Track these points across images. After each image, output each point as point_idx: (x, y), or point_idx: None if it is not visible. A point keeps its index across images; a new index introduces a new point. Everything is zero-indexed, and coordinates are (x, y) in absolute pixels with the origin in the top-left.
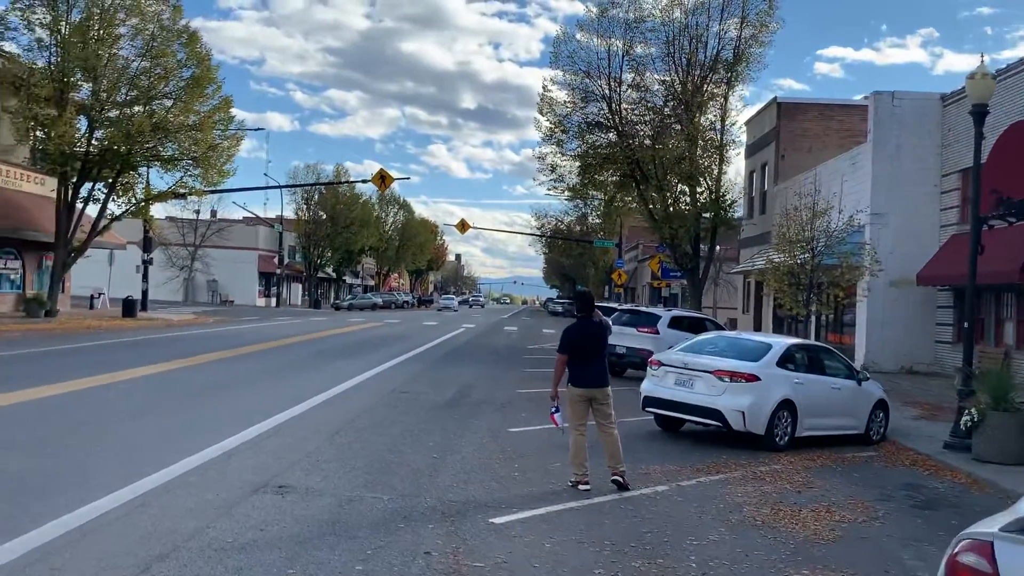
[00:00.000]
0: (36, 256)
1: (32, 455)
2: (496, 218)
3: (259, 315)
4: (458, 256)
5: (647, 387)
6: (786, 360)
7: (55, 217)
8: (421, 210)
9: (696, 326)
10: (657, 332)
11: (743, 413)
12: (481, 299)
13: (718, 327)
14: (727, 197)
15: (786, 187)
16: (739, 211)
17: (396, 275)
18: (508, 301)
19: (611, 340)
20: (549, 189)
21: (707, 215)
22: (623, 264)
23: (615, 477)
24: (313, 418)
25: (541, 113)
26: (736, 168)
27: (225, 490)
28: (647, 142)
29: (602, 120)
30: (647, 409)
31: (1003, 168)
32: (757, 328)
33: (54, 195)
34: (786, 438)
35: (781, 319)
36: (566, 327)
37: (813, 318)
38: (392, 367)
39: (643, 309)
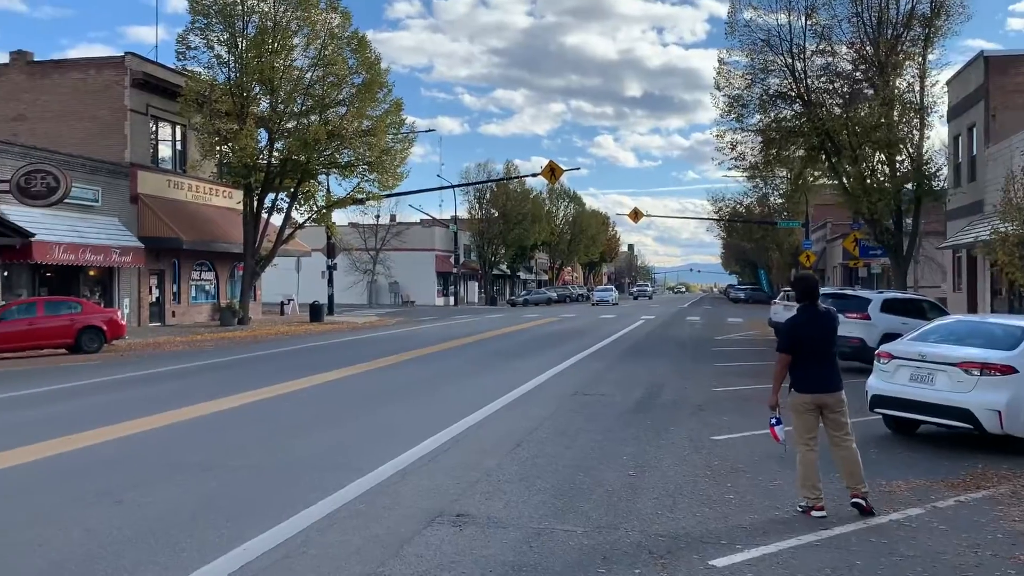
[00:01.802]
0: (228, 266)
1: (185, 484)
2: (667, 205)
3: (437, 314)
4: (631, 246)
5: (876, 384)
6: None
7: (243, 228)
8: (591, 202)
9: (914, 309)
10: (868, 317)
11: (999, 413)
12: (648, 289)
13: (941, 310)
14: (931, 165)
15: (1001, 149)
16: (944, 180)
17: (569, 268)
18: (683, 290)
19: None
20: (729, 169)
21: (909, 186)
22: (811, 245)
23: (856, 499)
24: (491, 427)
25: (718, 88)
26: (937, 135)
27: (396, 521)
28: (837, 111)
29: (785, 91)
30: (876, 410)
31: None
32: (972, 309)
33: (240, 207)
34: None
35: (1004, 296)
36: (786, 320)
37: None
38: (571, 366)
39: (850, 292)
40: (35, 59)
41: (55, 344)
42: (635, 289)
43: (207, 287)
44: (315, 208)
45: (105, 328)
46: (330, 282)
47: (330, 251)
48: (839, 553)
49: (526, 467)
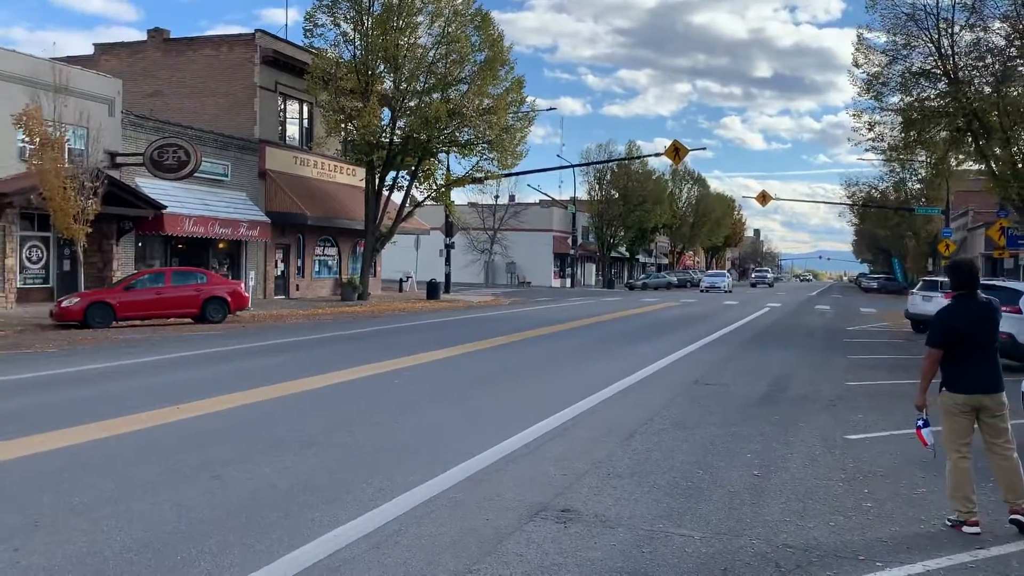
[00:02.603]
0: (350, 243)
1: (285, 460)
2: (796, 190)
3: (553, 296)
4: (756, 231)
5: None
6: None
7: (364, 205)
8: (716, 185)
9: None
10: (1019, 311)
11: None
12: (768, 275)
13: None
14: None
15: None
16: None
17: (691, 253)
18: (811, 278)
19: None
20: (866, 151)
21: None
22: (951, 233)
23: (1016, 516)
24: (603, 415)
25: (856, 65)
26: None
27: (496, 513)
28: (987, 89)
29: (929, 69)
30: None
31: None
32: None
33: (362, 184)
34: None
35: None
36: (939, 311)
37: None
38: (691, 353)
39: (998, 283)
40: (171, 36)
41: (181, 313)
42: (754, 275)
43: (330, 262)
44: (434, 186)
45: (229, 299)
46: (447, 260)
47: (448, 230)
48: None
49: (639, 460)
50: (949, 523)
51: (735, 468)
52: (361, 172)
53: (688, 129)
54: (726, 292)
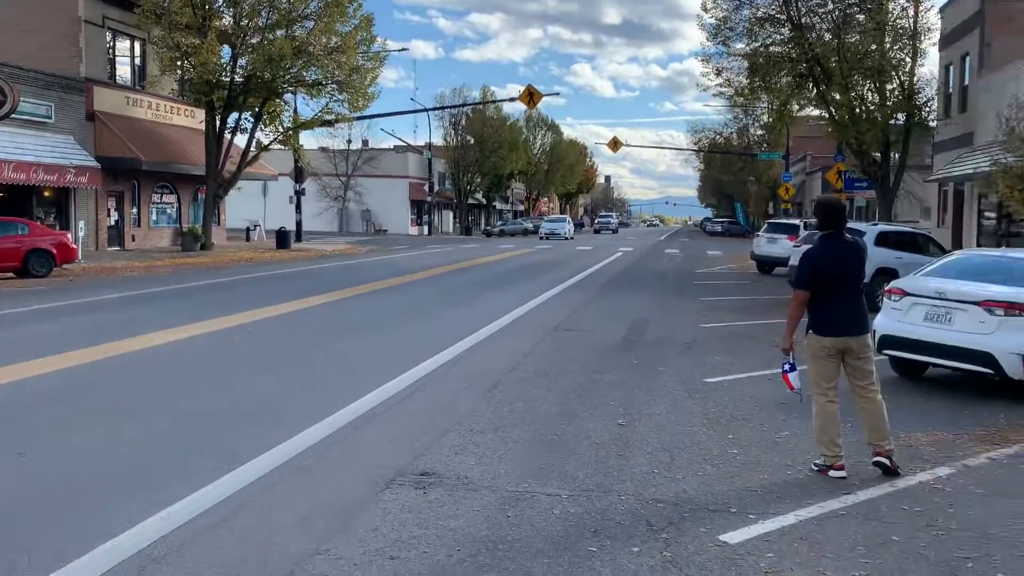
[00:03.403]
0: (191, 189)
1: (114, 432)
2: (644, 137)
3: (410, 244)
4: (608, 178)
5: (884, 323)
6: None
7: (205, 149)
8: (568, 132)
9: (909, 243)
10: None
11: (1023, 357)
12: (612, 221)
13: (938, 245)
14: (922, 94)
15: (997, 79)
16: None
17: (546, 199)
18: (658, 223)
19: None
20: (714, 96)
21: (898, 116)
22: (790, 177)
23: (879, 458)
24: (465, 366)
25: (704, 10)
26: (928, 63)
27: (349, 482)
28: (827, 36)
29: (774, 14)
30: (885, 351)
31: None
32: (956, 245)
33: (203, 127)
34: None
35: (992, 232)
36: (805, 251)
37: None
38: (550, 299)
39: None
40: None
41: (0, 268)
42: (597, 221)
43: (169, 211)
44: (281, 129)
45: (54, 251)
46: (298, 208)
47: (298, 175)
48: (871, 525)
49: (503, 414)
50: (816, 468)
51: (600, 418)
52: (201, 113)
53: (540, 76)
54: (567, 239)
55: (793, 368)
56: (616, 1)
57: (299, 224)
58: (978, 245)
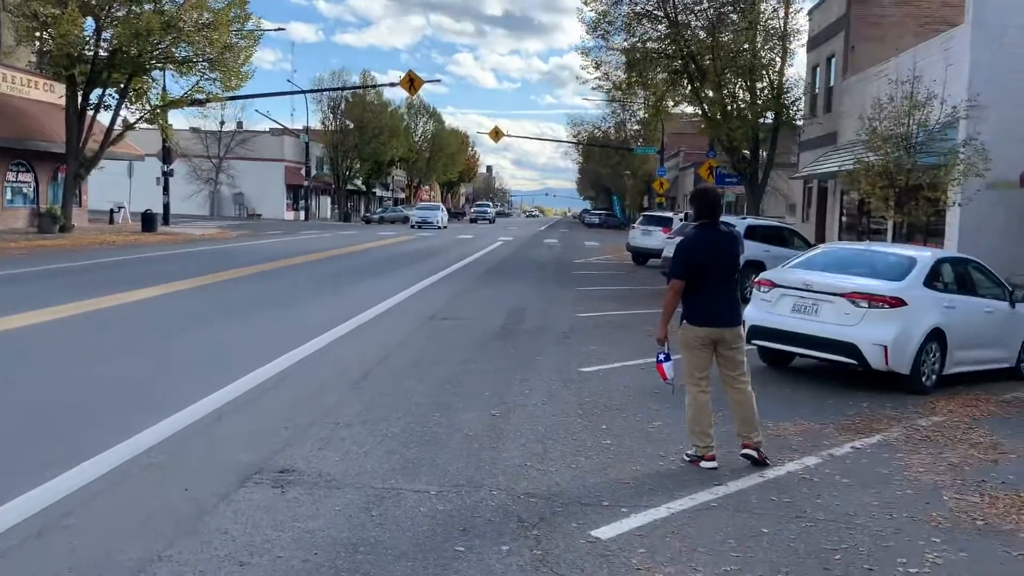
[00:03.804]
0: (50, 168)
1: None
2: (525, 128)
3: (286, 229)
4: (489, 168)
5: (754, 314)
6: (933, 278)
7: (65, 126)
8: (450, 120)
9: (776, 237)
10: None
11: (885, 348)
12: (489, 211)
13: (803, 239)
14: (791, 94)
15: (859, 80)
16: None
17: (427, 187)
18: (537, 214)
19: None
20: (593, 89)
21: (768, 115)
22: (665, 172)
23: (748, 451)
24: (335, 356)
25: (584, 3)
26: (797, 64)
27: (201, 479)
28: (702, 34)
29: (651, 10)
30: (754, 342)
31: None
32: (820, 240)
33: (63, 102)
34: (934, 377)
35: (852, 227)
36: (681, 241)
37: (890, 225)
38: (428, 287)
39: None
40: None
41: None
42: (473, 210)
43: (25, 190)
44: (148, 107)
45: None
46: (165, 189)
47: (166, 156)
48: (741, 517)
49: (372, 406)
50: (687, 458)
51: (474, 409)
52: (61, 88)
53: (422, 63)
54: (440, 228)
55: (667, 358)
56: None
57: (167, 207)
58: (840, 240)
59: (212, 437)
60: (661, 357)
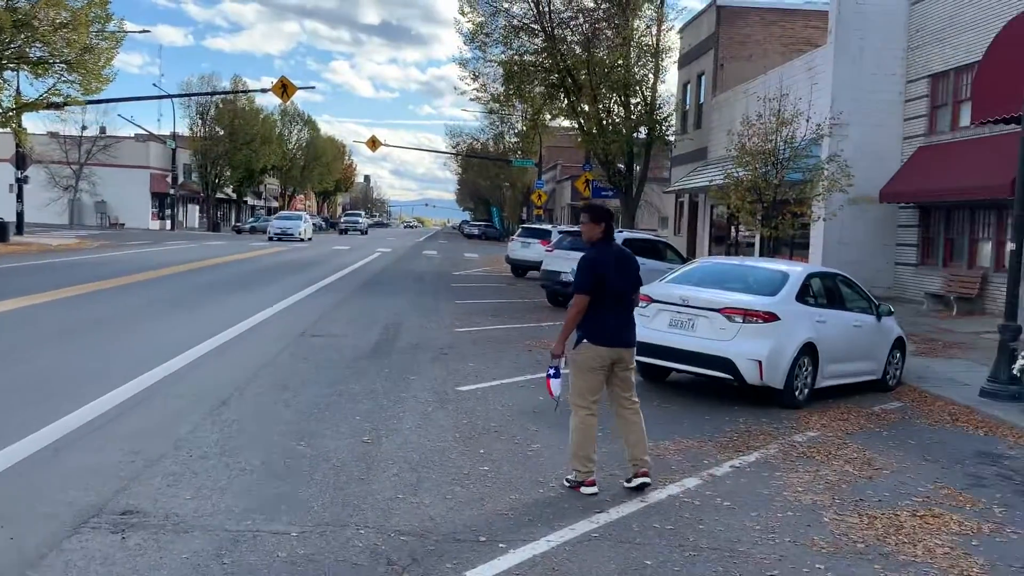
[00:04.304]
0: None
1: None
2: (403, 138)
3: (150, 239)
4: (367, 177)
5: None
6: (805, 292)
7: None
8: (326, 129)
9: (651, 250)
10: None
11: (760, 363)
12: (360, 221)
13: (676, 252)
14: (663, 110)
15: (728, 98)
16: (672, 125)
17: (302, 196)
18: (416, 224)
19: (556, 266)
20: (471, 100)
21: (642, 130)
22: (543, 184)
23: (644, 479)
24: (194, 378)
25: (462, 13)
26: (668, 80)
27: (30, 525)
28: (578, 49)
29: (528, 23)
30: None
31: (1006, 63)
32: (691, 253)
33: None
34: (806, 391)
35: (722, 240)
36: (587, 256)
37: (758, 238)
38: (300, 301)
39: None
40: None
41: None
42: (343, 221)
43: None
44: (0, 110)
45: None
46: (19, 197)
47: (19, 162)
48: (624, 549)
49: (231, 434)
50: (568, 483)
51: (343, 436)
52: None
53: (297, 70)
54: (303, 240)
55: (558, 375)
56: (375, 1)
57: (20, 215)
58: (710, 253)
59: (48, 474)
60: (552, 372)
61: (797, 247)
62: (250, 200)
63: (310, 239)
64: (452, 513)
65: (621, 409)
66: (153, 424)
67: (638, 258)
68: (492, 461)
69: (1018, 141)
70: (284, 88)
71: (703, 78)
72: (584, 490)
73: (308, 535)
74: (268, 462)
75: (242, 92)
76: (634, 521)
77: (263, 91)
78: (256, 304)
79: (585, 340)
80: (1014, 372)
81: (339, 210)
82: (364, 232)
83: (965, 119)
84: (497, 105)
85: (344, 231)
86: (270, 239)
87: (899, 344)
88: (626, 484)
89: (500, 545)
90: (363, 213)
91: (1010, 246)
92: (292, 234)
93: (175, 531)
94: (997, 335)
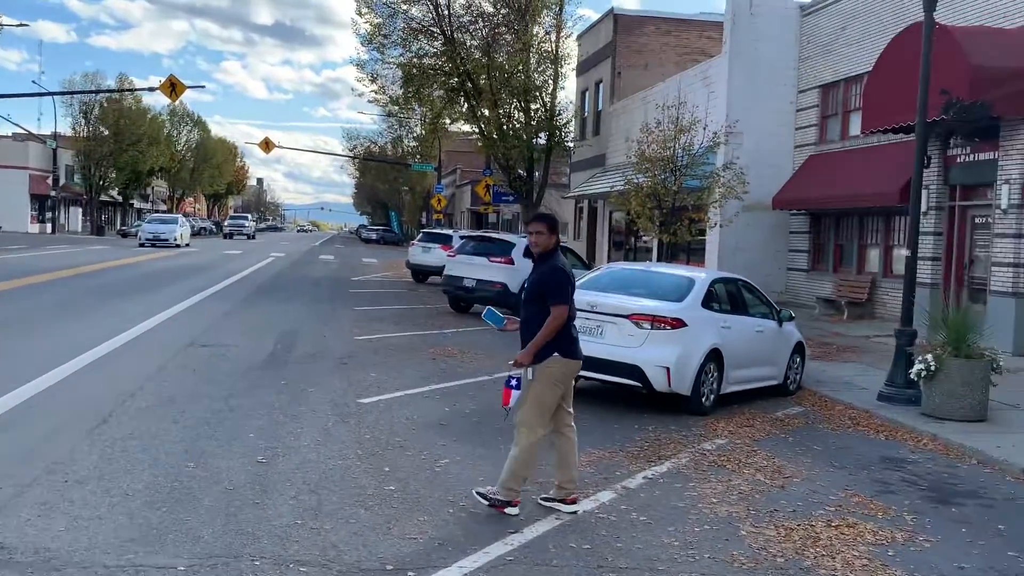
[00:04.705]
0: None
1: None
2: (299, 141)
3: (29, 243)
4: (260, 180)
5: None
6: (710, 298)
7: None
8: (217, 130)
9: None
10: (512, 262)
11: (668, 369)
12: (246, 224)
13: (578, 257)
14: (563, 116)
15: (625, 106)
16: (572, 132)
17: (192, 199)
18: (310, 228)
19: (458, 271)
20: (369, 102)
21: (542, 136)
22: (443, 189)
23: (575, 507)
24: (72, 394)
25: (359, 14)
26: (568, 87)
27: None
28: (478, 53)
29: (428, 26)
30: None
31: (894, 75)
32: (591, 258)
33: None
34: (712, 397)
35: (620, 245)
36: (559, 264)
37: (655, 244)
38: (189, 308)
39: (495, 236)
40: None
41: None
42: (228, 224)
43: None
44: None
45: None
46: None
47: None
48: (541, 572)
49: (112, 456)
50: (488, 502)
51: (235, 455)
52: None
53: (187, 70)
54: (179, 246)
55: (519, 386)
56: (267, 1)
57: None
58: (609, 258)
59: None
60: (513, 383)
61: (693, 253)
62: (137, 203)
63: (187, 244)
64: (356, 539)
65: (564, 427)
66: (23, 445)
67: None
68: (398, 479)
69: (905, 150)
70: (173, 87)
71: (601, 86)
72: (509, 511)
73: (197, 569)
74: (152, 486)
75: (128, 91)
76: (550, 541)
77: (151, 90)
78: (141, 312)
79: (556, 354)
80: (911, 376)
81: (231, 213)
82: (251, 236)
83: (854, 128)
84: (396, 108)
85: (229, 235)
86: (141, 245)
87: (799, 349)
88: (565, 508)
89: (409, 573)
90: (250, 216)
91: (905, 252)
92: (166, 239)
93: (46, 568)
94: (888, 338)
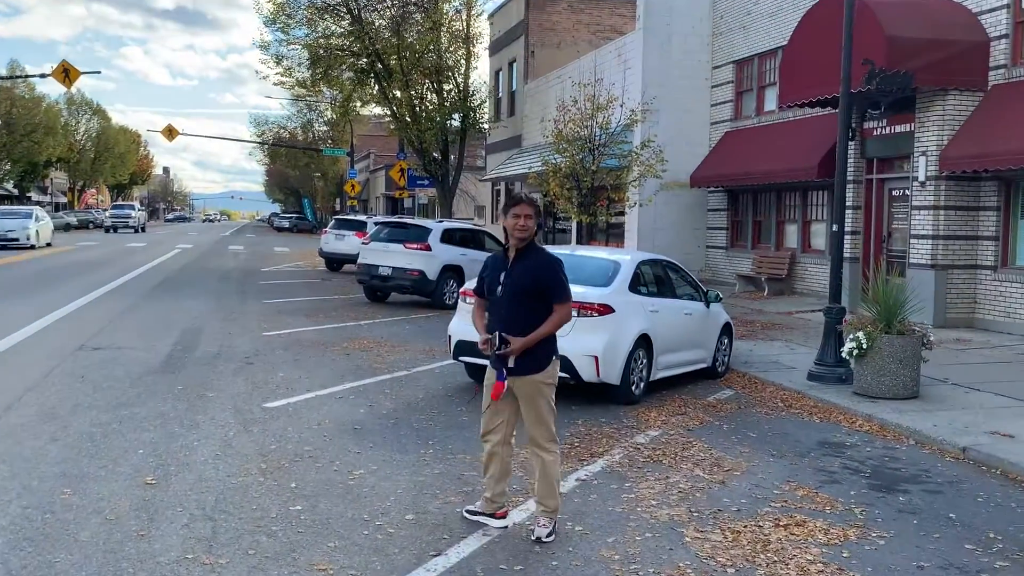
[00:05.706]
0: None
1: None
2: (205, 127)
3: None
4: (166, 169)
5: (460, 328)
6: (637, 282)
7: None
8: (119, 119)
9: (472, 240)
10: (429, 248)
11: (596, 358)
12: (132, 217)
13: (497, 241)
14: (476, 97)
15: (539, 85)
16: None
17: (94, 191)
18: (219, 218)
19: (373, 259)
20: (275, 85)
21: (455, 117)
22: (356, 174)
23: (506, 521)
24: None
25: None
26: (481, 67)
27: None
28: (387, 33)
29: (334, 4)
30: (461, 358)
31: (810, 48)
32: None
33: None
34: (642, 384)
35: (539, 227)
36: (557, 260)
37: (574, 226)
38: (82, 308)
39: (409, 221)
40: None
41: None
42: (110, 216)
43: None
44: None
45: None
46: None
47: None
48: None
49: None
50: (548, 534)
51: (121, 476)
52: None
53: (85, 57)
54: (33, 246)
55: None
56: None
57: None
58: None
59: None
60: (505, 375)
61: (612, 233)
62: (35, 196)
63: (48, 244)
64: (255, 574)
65: (514, 438)
66: None
67: (460, 248)
68: (305, 497)
69: (822, 124)
70: (67, 73)
71: (515, 65)
72: (494, 523)
73: None
74: (20, 520)
75: (20, 77)
76: (477, 563)
77: (43, 76)
78: (30, 313)
79: (554, 357)
80: (843, 355)
81: (111, 203)
82: (140, 229)
83: (770, 104)
84: (304, 91)
85: (111, 228)
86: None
87: (727, 330)
88: (494, 523)
89: None
90: (136, 205)
91: (834, 228)
92: (16, 238)
93: None
94: (810, 314)
